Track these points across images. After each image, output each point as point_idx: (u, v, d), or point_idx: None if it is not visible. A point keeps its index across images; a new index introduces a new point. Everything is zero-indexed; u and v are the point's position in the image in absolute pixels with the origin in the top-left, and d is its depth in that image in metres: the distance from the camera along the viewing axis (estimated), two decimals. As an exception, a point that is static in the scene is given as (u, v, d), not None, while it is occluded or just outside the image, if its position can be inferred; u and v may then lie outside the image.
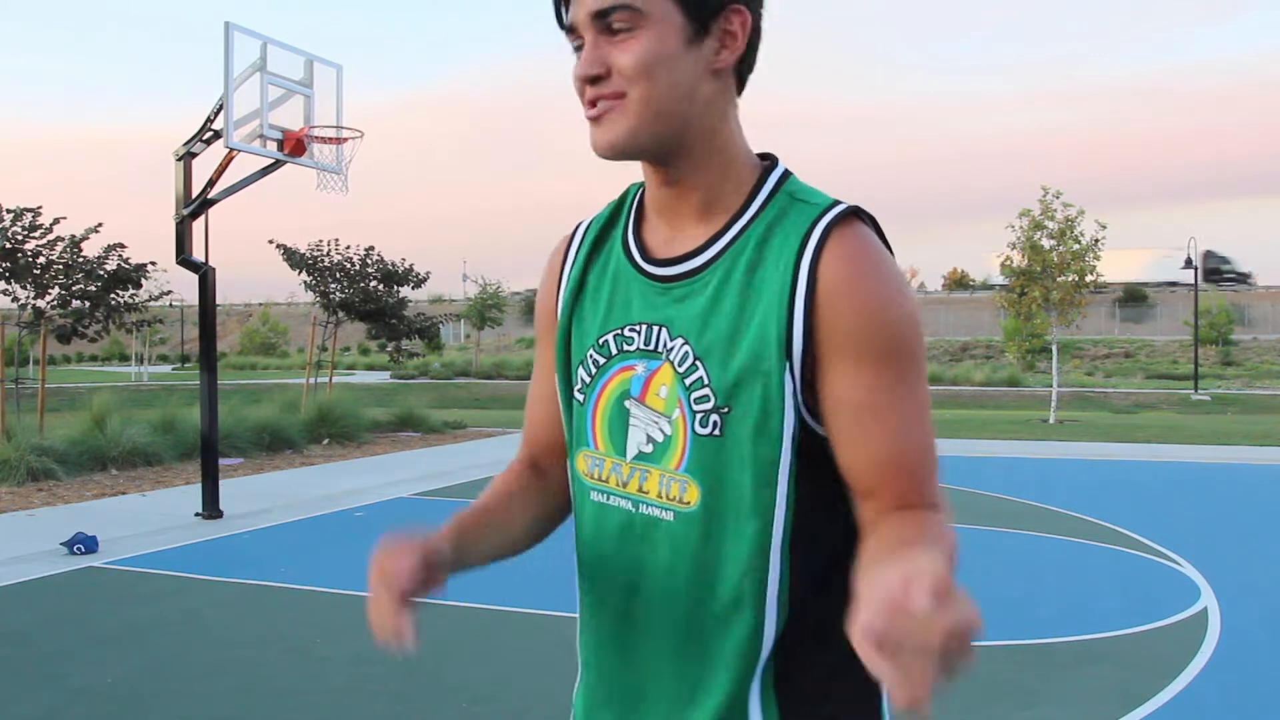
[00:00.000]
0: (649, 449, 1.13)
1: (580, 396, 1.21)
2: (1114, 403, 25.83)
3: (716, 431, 1.08)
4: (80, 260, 12.40)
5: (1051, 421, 18.38)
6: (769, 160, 1.17)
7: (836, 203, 1.11)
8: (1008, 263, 18.68)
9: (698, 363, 1.10)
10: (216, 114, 8.16)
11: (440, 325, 19.56)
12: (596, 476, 1.19)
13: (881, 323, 1.05)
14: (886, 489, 1.07)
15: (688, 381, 1.10)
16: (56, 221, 12.16)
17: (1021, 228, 18.44)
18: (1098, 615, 5.40)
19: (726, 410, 1.08)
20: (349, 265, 16.73)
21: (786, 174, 1.15)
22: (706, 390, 1.09)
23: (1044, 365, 29.37)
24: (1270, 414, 21.64)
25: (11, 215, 11.87)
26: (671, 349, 1.12)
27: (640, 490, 1.15)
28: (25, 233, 11.90)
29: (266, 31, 9.12)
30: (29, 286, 12.16)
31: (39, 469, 9.92)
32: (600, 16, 1.05)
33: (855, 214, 1.10)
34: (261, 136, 8.37)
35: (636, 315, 1.16)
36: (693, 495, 1.10)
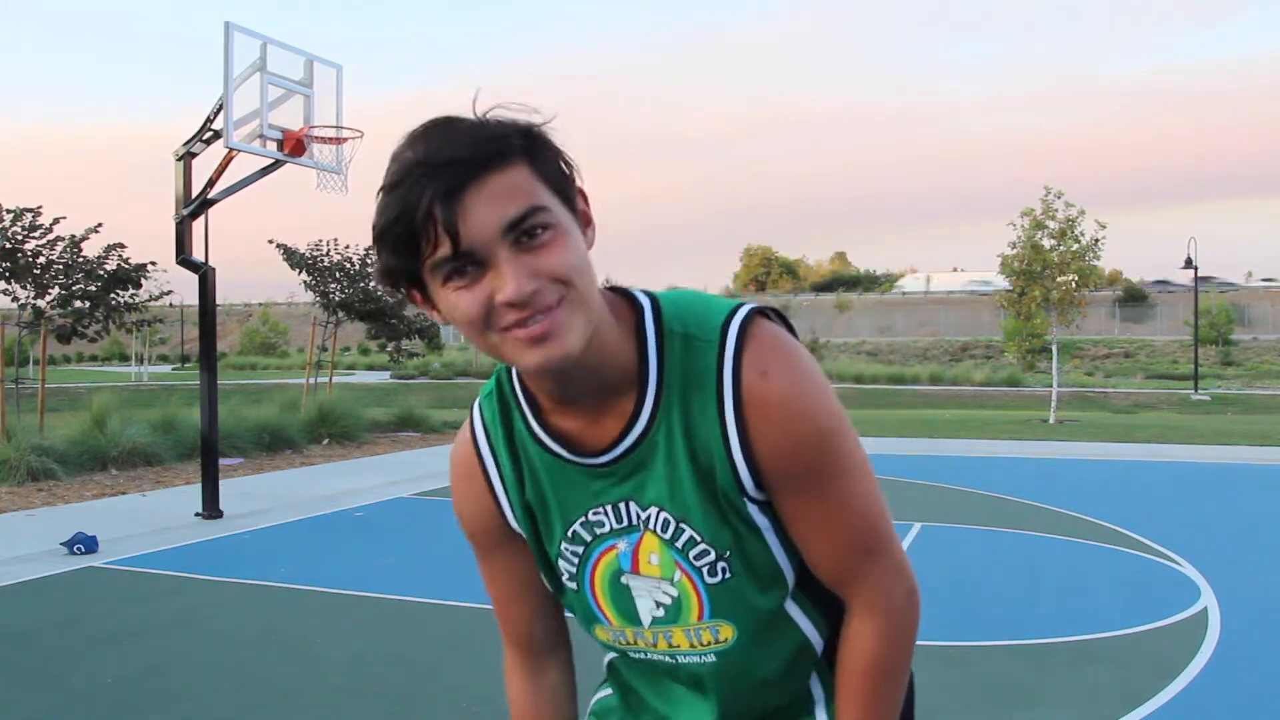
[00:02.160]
0: (661, 613, 1.18)
1: (573, 585, 1.22)
2: (1114, 403, 25.83)
3: (728, 576, 1.14)
4: (80, 260, 12.38)
5: (1051, 421, 18.38)
6: (626, 299, 1.11)
7: (726, 322, 1.08)
8: (1007, 263, 18.71)
9: (682, 525, 1.12)
10: (216, 114, 8.16)
11: (440, 325, 19.53)
12: (624, 643, 1.24)
13: (812, 445, 1.08)
14: (846, 583, 1.16)
15: (679, 544, 1.13)
16: (56, 221, 12.15)
17: (1023, 227, 18.47)
18: (1098, 615, 5.39)
19: (729, 554, 1.13)
20: (349, 265, 16.74)
21: (656, 308, 1.10)
22: (703, 546, 1.13)
23: (1044, 365, 29.38)
24: (1270, 414, 21.65)
25: (11, 215, 11.86)
26: (648, 518, 1.13)
27: (670, 646, 1.21)
28: (25, 233, 11.89)
29: (266, 31, 9.11)
30: (29, 286, 12.15)
31: (39, 469, 9.92)
32: (514, 226, 0.95)
33: (749, 320, 1.08)
34: (261, 136, 8.36)
35: (594, 500, 1.14)
36: (727, 633, 1.18)
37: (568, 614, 1.30)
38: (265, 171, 8.61)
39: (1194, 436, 15.55)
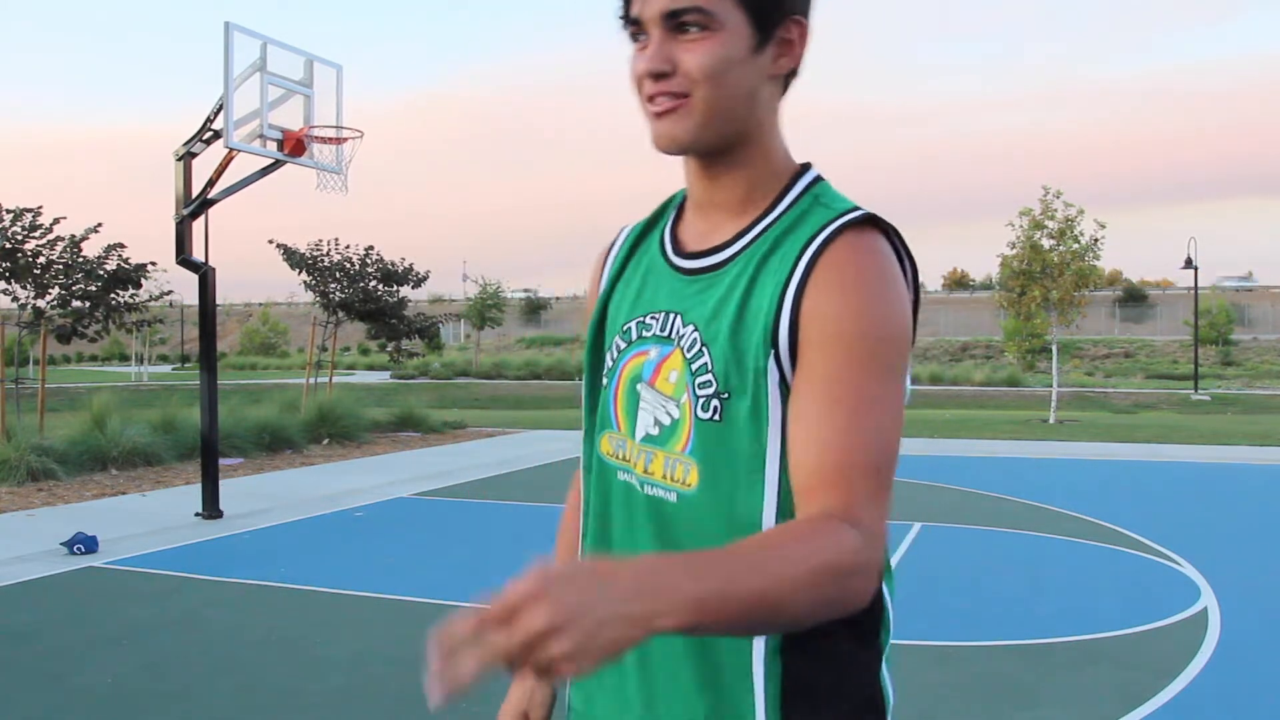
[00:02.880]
0: (655, 431, 1.17)
1: (605, 380, 1.25)
2: (1114, 403, 25.83)
3: (717, 416, 1.11)
4: (80, 260, 12.38)
5: (1051, 421, 18.39)
6: (805, 166, 1.20)
7: (856, 209, 1.12)
8: (1007, 263, 18.72)
9: (704, 349, 1.13)
10: (216, 114, 8.16)
11: (440, 325, 19.56)
12: (620, 457, 1.22)
13: (854, 323, 1.05)
14: (816, 491, 1.03)
15: (694, 367, 1.13)
16: (56, 221, 12.15)
17: (1022, 227, 18.47)
18: (1098, 615, 5.39)
19: (726, 396, 1.11)
20: (349, 265, 16.73)
21: (818, 179, 1.18)
22: (709, 376, 1.12)
23: (1044, 365, 29.38)
24: (1270, 414, 21.65)
25: (11, 215, 11.86)
26: (683, 336, 1.15)
27: (646, 471, 1.18)
28: (25, 233, 11.88)
29: (266, 31, 9.11)
30: (29, 286, 12.15)
31: (39, 469, 9.92)
32: (671, 17, 1.07)
33: (871, 222, 1.11)
34: (261, 136, 8.36)
35: (661, 304, 1.20)
36: (693, 477, 1.13)
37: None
38: (265, 171, 8.61)
39: (1194, 436, 15.55)
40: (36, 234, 11.98)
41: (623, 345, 1.23)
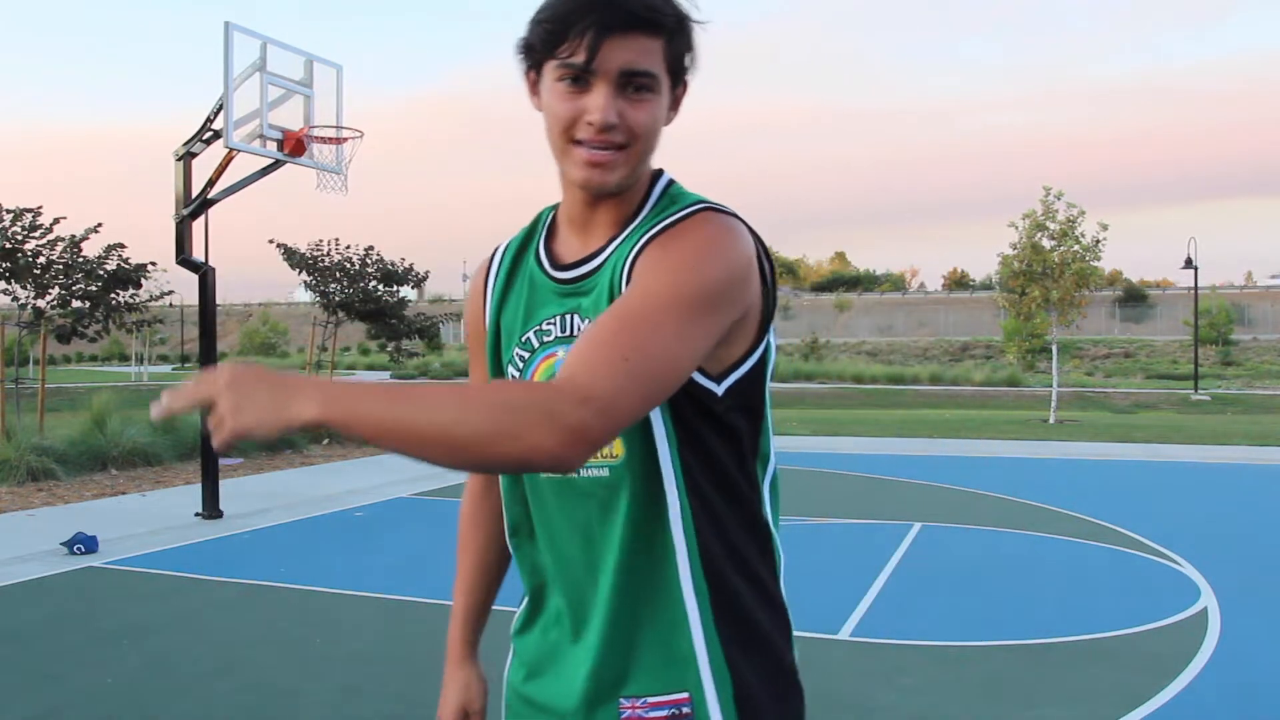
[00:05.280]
0: None
1: None
2: (1114, 403, 25.83)
3: None
4: (80, 260, 12.38)
5: (1051, 421, 18.39)
6: (658, 173, 1.33)
7: (702, 200, 1.26)
8: (1007, 263, 18.73)
9: None
10: (216, 114, 8.16)
11: (440, 325, 19.56)
12: None
13: (664, 267, 1.17)
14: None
15: None
16: (56, 221, 12.15)
17: (1023, 228, 18.47)
18: (1098, 615, 5.40)
19: None
20: (349, 265, 16.73)
21: (670, 182, 1.32)
22: None
23: (1044, 365, 29.40)
24: (1270, 414, 21.65)
25: (11, 215, 11.86)
26: (582, 329, 1.26)
27: None
28: (25, 233, 11.89)
29: (266, 31, 9.11)
30: (29, 286, 12.15)
31: (39, 469, 9.92)
32: (631, 75, 1.19)
33: (714, 208, 1.24)
34: (261, 136, 8.36)
35: (551, 311, 1.31)
36: (619, 449, 1.25)
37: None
38: (265, 171, 8.61)
39: (1194, 436, 15.55)
40: (36, 234, 11.99)
41: (525, 355, 1.32)
